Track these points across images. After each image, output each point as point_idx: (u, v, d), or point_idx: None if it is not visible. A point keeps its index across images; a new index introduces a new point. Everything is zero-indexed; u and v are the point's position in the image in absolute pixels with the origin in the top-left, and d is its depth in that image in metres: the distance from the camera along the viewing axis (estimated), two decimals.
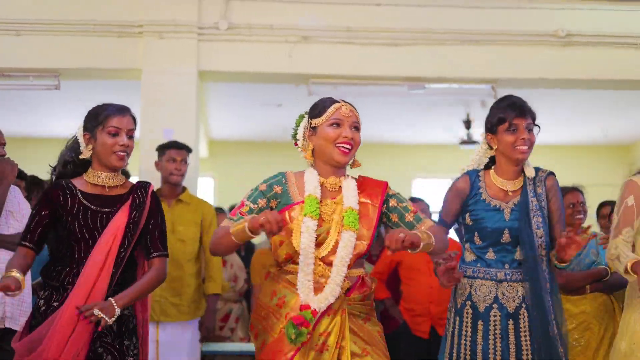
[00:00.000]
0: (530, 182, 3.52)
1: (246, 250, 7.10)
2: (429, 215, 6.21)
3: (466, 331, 3.50)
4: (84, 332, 3.03)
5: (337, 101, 3.09)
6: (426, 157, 11.04)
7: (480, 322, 3.47)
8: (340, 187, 3.08)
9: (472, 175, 3.60)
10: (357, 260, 3.04)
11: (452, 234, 3.89)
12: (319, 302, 2.91)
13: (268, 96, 8.60)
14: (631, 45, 6.68)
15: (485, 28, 6.63)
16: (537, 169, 3.58)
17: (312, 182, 3.04)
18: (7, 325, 3.95)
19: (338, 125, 3.03)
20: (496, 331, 3.44)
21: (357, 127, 3.08)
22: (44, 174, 5.12)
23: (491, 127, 3.57)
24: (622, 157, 11.08)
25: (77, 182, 3.26)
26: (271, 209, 3.02)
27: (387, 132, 10.41)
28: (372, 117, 9.63)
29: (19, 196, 4.22)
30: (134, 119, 3.32)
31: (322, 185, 3.06)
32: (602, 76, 6.75)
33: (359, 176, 3.18)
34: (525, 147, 3.48)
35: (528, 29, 6.64)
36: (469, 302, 3.51)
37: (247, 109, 9.37)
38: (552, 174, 3.59)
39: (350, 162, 3.11)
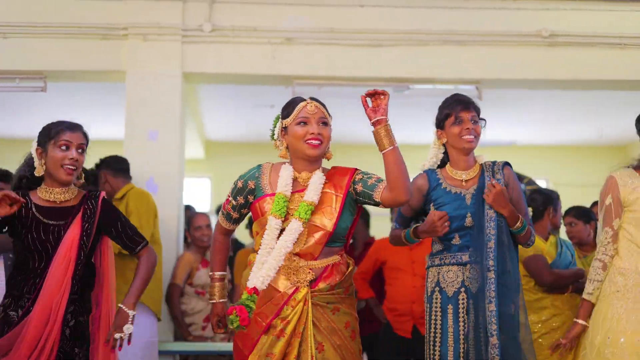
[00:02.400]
0: (488, 169, 3.75)
1: (234, 251, 7.13)
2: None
3: (435, 316, 3.68)
4: (50, 341, 3.17)
5: (303, 100, 3.26)
6: (417, 157, 10.99)
7: (449, 306, 3.65)
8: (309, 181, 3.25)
9: (429, 172, 3.84)
10: (325, 249, 3.19)
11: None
12: (251, 283, 3.05)
13: (260, 97, 8.63)
14: (615, 45, 6.68)
15: (469, 29, 6.64)
16: (492, 162, 3.81)
17: (285, 178, 3.21)
18: None
19: (305, 123, 3.19)
20: (464, 314, 3.63)
21: (325, 122, 3.24)
22: None
23: (439, 123, 3.83)
24: (617, 157, 11.02)
25: (32, 195, 3.36)
26: (248, 202, 3.27)
27: None
28: (360, 118, 9.59)
29: None
30: (86, 136, 3.43)
31: (295, 179, 3.23)
32: (587, 76, 6.74)
33: (332, 167, 3.34)
34: (471, 137, 3.70)
35: (512, 30, 6.64)
36: (437, 289, 3.70)
37: (240, 110, 9.40)
38: (508, 164, 3.80)
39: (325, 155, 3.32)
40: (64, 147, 3.33)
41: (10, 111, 9.07)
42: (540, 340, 4.53)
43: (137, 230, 3.51)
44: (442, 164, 3.90)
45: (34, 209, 3.32)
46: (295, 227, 3.13)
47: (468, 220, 3.67)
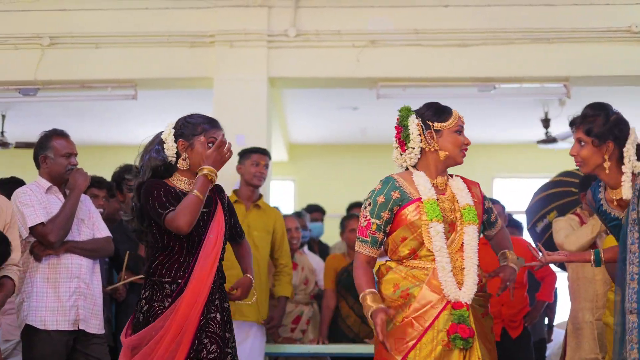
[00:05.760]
0: (634, 192, 3.25)
1: (320, 253, 7.18)
2: (505, 218, 6.18)
3: None
4: (194, 322, 3.30)
5: (453, 109, 3.35)
6: (506, 156, 10.88)
7: None
8: (445, 184, 3.30)
9: (594, 187, 3.54)
10: None
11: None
12: (466, 296, 3.11)
13: (343, 100, 8.67)
14: None
15: (556, 26, 6.52)
16: None
17: (424, 184, 3.24)
18: (81, 327, 4.14)
19: (461, 132, 3.29)
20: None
21: None
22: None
23: None
24: None
25: (170, 184, 3.49)
26: (394, 215, 3.21)
27: (467, 132, 10.30)
28: None
29: (90, 204, 4.42)
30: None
31: (433, 185, 3.26)
32: None
33: (454, 175, 3.40)
34: (577, 163, 3.40)
35: (600, 26, 6.49)
36: None
37: (322, 113, 9.47)
38: None
39: None
40: (210, 144, 3.43)
41: (102, 119, 9.35)
42: None
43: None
44: None
45: (180, 194, 3.44)
46: (475, 234, 3.23)
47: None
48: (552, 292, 6.13)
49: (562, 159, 9.47)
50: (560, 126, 9.15)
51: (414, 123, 3.26)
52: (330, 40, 6.55)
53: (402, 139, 3.30)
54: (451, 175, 3.37)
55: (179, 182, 3.48)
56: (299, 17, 6.55)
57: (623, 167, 3.30)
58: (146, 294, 3.41)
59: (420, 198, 3.20)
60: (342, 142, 11.01)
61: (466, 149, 3.29)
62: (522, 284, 5.83)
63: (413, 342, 3.06)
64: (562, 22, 6.53)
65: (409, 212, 3.20)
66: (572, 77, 6.66)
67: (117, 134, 10.08)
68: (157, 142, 3.52)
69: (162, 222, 3.34)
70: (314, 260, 6.47)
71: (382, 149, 10.84)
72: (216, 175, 3.38)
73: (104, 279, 4.96)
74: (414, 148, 3.26)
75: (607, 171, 3.33)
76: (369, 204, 3.22)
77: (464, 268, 3.17)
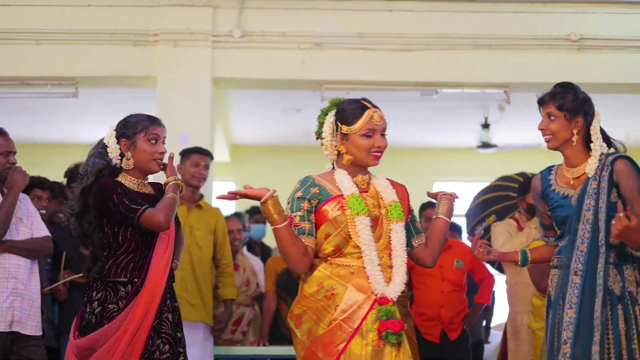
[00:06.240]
0: (599, 166, 3.36)
1: (262, 256, 7.18)
2: None
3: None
4: (149, 322, 3.29)
5: (366, 106, 3.18)
6: (446, 160, 11.03)
7: (550, 312, 3.42)
8: (367, 183, 3.23)
9: (544, 172, 3.60)
10: None
11: None
12: (394, 292, 3.04)
13: (287, 101, 8.69)
14: None
15: (497, 33, 6.66)
16: (609, 154, 3.38)
17: (345, 181, 3.15)
18: (15, 329, 4.05)
19: (371, 135, 3.13)
20: (561, 323, 3.34)
21: (385, 133, 3.20)
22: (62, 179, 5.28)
23: None
24: None
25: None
26: (314, 207, 3.12)
27: (407, 135, 10.42)
28: (391, 121, 9.61)
29: (28, 203, 4.34)
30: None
31: (354, 183, 3.17)
32: (616, 80, 6.74)
33: (378, 175, 3.32)
34: (545, 137, 3.45)
35: (541, 34, 6.65)
36: (549, 291, 3.47)
37: (267, 114, 9.46)
38: (623, 157, 3.35)
39: None
40: (153, 141, 3.44)
41: (42, 117, 9.18)
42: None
43: None
44: None
45: (135, 192, 3.43)
46: (403, 232, 3.16)
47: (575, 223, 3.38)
48: (490, 294, 6.23)
49: (501, 163, 9.68)
50: (499, 131, 9.33)
51: (328, 122, 3.18)
52: (275, 42, 6.56)
53: (317, 135, 3.24)
54: (374, 175, 3.30)
55: (128, 182, 3.47)
56: (244, 17, 6.55)
57: (592, 144, 3.39)
58: (98, 296, 3.36)
59: (341, 195, 3.12)
60: (286, 144, 11.01)
61: (378, 151, 3.16)
62: (461, 286, 5.91)
63: (343, 344, 2.98)
64: (504, 30, 6.66)
65: (330, 209, 3.10)
66: (512, 84, 6.79)
67: (57, 132, 9.92)
68: (100, 146, 3.51)
69: (137, 217, 3.31)
70: (254, 261, 6.47)
71: None
72: (182, 181, 3.53)
73: (46, 280, 4.88)
74: (326, 147, 3.20)
75: (574, 145, 3.41)
76: (288, 203, 3.15)
77: (390, 266, 3.12)
